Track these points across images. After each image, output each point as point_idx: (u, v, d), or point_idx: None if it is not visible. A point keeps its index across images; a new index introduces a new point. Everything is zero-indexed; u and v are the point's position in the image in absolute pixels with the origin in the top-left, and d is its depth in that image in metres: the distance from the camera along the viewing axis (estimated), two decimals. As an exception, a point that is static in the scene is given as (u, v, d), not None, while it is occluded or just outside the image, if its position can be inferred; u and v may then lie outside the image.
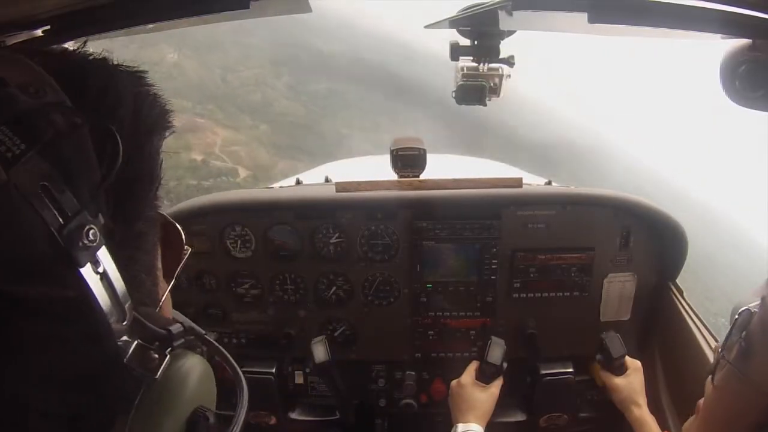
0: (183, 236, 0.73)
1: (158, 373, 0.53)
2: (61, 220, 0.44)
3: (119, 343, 0.50)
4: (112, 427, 0.51)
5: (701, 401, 1.04)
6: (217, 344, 0.69)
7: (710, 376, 0.96)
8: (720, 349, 0.93)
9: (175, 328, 0.58)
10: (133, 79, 0.57)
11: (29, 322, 0.44)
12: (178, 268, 0.72)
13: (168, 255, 0.69)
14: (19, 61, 0.51)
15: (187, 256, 0.73)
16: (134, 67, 0.58)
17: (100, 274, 0.47)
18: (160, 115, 0.58)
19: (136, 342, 0.52)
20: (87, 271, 0.46)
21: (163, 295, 0.64)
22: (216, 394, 0.64)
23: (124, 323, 0.51)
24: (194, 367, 0.58)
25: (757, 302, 0.85)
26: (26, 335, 0.44)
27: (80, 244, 0.45)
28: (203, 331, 0.66)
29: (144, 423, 0.52)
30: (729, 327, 0.91)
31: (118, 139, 0.49)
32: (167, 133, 0.60)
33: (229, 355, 0.69)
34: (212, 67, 27.58)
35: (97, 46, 0.59)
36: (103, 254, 0.48)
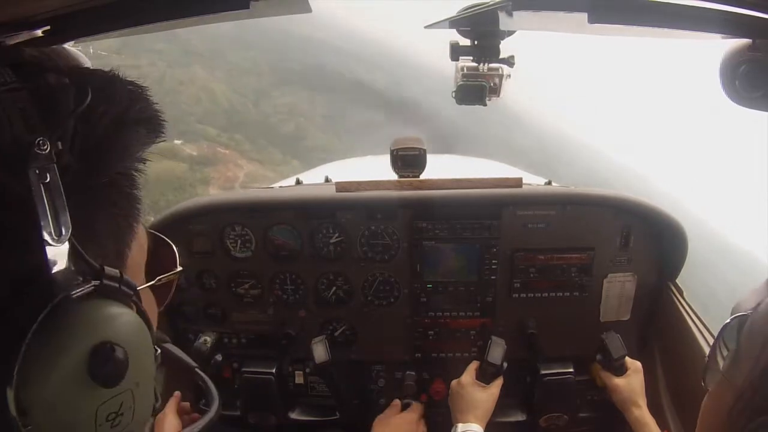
0: (177, 257, 0.78)
1: (74, 294, 0.54)
2: (23, 128, 0.54)
3: (48, 256, 0.54)
4: (22, 342, 0.51)
5: None
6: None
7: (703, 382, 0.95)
8: (709, 356, 0.92)
9: (112, 271, 0.59)
10: (134, 84, 0.66)
11: None
12: (167, 278, 0.77)
13: (154, 261, 0.75)
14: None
15: (176, 275, 0.77)
16: (139, 80, 0.68)
17: (45, 184, 0.54)
18: (152, 117, 0.67)
19: (65, 265, 0.55)
20: (32, 174, 0.53)
21: (132, 278, 0.64)
22: (155, 356, 0.65)
23: (58, 240, 0.54)
24: (123, 313, 0.59)
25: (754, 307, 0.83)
26: None
27: (32, 151, 0.53)
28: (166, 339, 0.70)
29: (46, 341, 0.52)
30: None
31: (89, 91, 0.59)
32: (156, 137, 0.68)
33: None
34: (245, 92, 25.59)
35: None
36: (53, 172, 0.54)
